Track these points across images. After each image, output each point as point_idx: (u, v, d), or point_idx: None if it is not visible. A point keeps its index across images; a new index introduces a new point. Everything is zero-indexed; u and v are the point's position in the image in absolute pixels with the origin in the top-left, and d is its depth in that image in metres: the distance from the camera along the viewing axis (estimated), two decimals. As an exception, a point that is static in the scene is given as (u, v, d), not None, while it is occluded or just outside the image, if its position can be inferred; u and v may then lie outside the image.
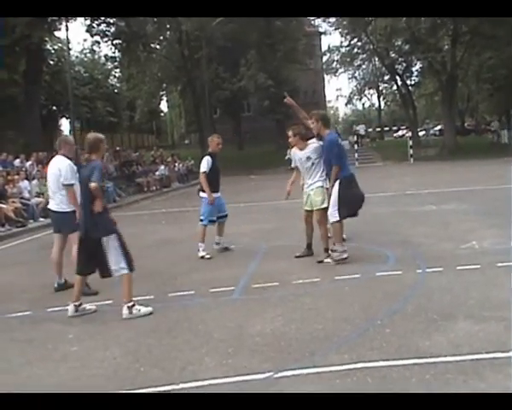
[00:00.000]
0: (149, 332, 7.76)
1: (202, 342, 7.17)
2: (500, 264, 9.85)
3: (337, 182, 11.07)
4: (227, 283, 10.04)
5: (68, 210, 10.43)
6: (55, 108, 56.72)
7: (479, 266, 9.89)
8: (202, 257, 12.74)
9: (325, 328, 7.35)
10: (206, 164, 13.09)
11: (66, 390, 5.75)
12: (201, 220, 13.27)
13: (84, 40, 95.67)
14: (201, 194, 13.37)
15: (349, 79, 78.17)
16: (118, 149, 43.40)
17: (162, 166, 39.32)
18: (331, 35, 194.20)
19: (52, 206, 10.81)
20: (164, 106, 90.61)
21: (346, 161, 11.66)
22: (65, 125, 65.05)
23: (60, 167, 10.46)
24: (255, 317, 8.05)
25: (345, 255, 10.99)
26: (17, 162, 28.46)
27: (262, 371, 6.08)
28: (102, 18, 44.78)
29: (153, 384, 5.95)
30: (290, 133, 12.41)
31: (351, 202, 11.20)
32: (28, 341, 7.83)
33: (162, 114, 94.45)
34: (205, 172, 13.05)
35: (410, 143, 48.81)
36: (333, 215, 11.14)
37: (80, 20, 43.55)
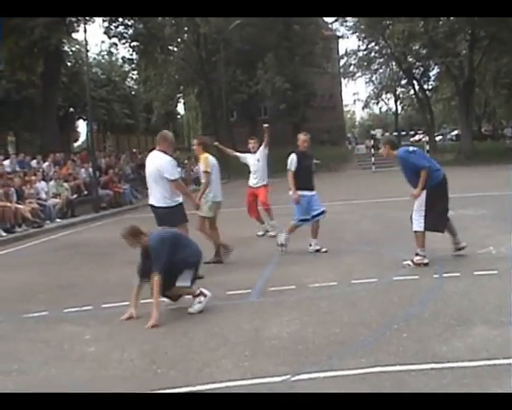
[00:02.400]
0: (166, 334, 7.77)
1: (219, 345, 7.18)
2: (519, 269, 9.82)
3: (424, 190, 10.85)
4: (243, 285, 10.06)
5: (173, 204, 10.68)
6: (72, 109, 56.83)
7: (496, 272, 9.85)
8: (282, 245, 13.16)
9: (342, 332, 7.34)
10: (290, 162, 13.02)
11: (83, 391, 5.75)
12: (294, 219, 13.26)
13: (102, 42, 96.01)
14: (290, 192, 13.21)
15: (366, 83, 77.49)
16: (134, 151, 43.51)
17: (178, 169, 39.35)
18: (348, 39, 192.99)
19: (153, 201, 10.91)
20: (181, 108, 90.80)
21: (432, 166, 11.21)
22: (82, 126, 65.32)
23: (160, 163, 10.55)
24: (272, 320, 8.05)
25: (425, 260, 10.86)
26: (34, 163, 28.62)
27: (279, 374, 6.07)
28: (120, 20, 44.92)
29: (170, 386, 5.95)
30: (195, 142, 13.12)
31: (439, 214, 11.03)
32: (45, 341, 7.84)
33: (179, 117, 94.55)
34: (291, 170, 12.93)
35: (427, 147, 48.66)
36: (418, 224, 11.05)
37: (98, 21, 43.70)
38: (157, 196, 10.67)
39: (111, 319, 8.73)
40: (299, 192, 12.83)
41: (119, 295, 9.91)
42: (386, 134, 68.36)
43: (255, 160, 16.18)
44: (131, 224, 8.80)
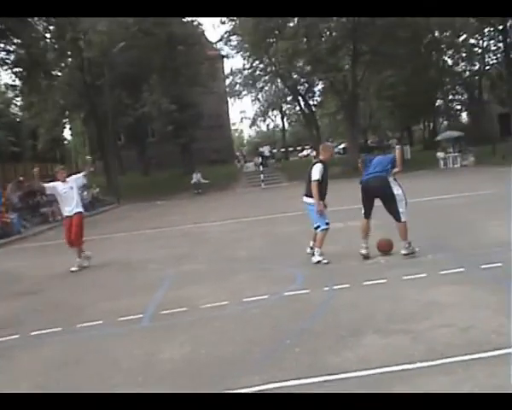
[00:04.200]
0: (58, 365, 7.60)
1: (112, 373, 7.06)
2: (405, 277, 10.04)
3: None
4: (135, 310, 9.91)
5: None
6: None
7: (385, 281, 10.03)
8: (319, 262, 12.29)
9: (235, 351, 7.32)
10: (318, 172, 12.51)
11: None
12: (318, 227, 12.62)
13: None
14: (306, 199, 12.92)
15: (252, 101, 78.56)
16: (21, 179, 42.60)
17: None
18: (233, 58, 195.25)
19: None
20: (67, 134, 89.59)
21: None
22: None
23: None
24: (164, 343, 7.97)
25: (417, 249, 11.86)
26: None
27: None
28: (1, 45, 44.02)
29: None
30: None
31: None
32: None
33: (66, 142, 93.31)
34: (318, 181, 12.46)
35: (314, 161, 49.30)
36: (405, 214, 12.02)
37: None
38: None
39: (2, 353, 8.48)
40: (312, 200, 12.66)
41: (7, 329, 9.63)
42: (274, 150, 69.12)
43: (67, 188, 15.49)
44: None
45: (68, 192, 15.39)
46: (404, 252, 11.76)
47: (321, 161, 12.79)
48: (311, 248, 12.93)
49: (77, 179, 15.79)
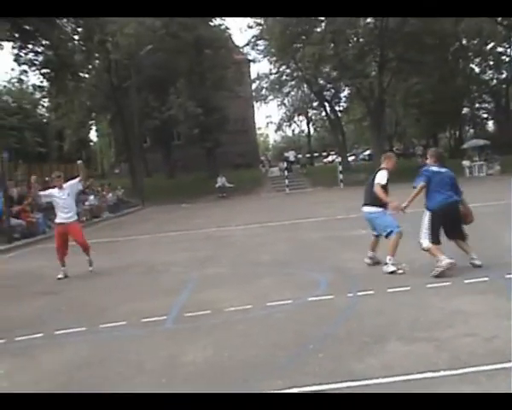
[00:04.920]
0: (81, 365, 7.65)
1: (134, 373, 7.09)
2: (429, 285, 10.00)
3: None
4: (159, 312, 9.94)
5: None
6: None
7: (409, 288, 10.01)
8: (393, 272, 11.51)
9: (258, 354, 7.33)
10: (384, 177, 12.25)
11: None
12: (390, 233, 11.99)
13: (12, 69, 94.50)
14: (368, 209, 12.59)
15: (278, 105, 78.44)
16: (47, 179, 42.82)
17: (92, 197, 38.77)
18: (260, 62, 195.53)
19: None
20: (93, 135, 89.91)
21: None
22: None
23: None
24: (187, 346, 7.99)
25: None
26: None
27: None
28: (30, 46, 44.26)
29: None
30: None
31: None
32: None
33: (92, 144, 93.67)
34: (382, 184, 12.15)
35: (340, 168, 49.33)
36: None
37: (8, 48, 43.03)
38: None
39: (25, 352, 8.54)
40: (379, 209, 12.36)
41: (31, 327, 9.70)
42: (299, 156, 69.01)
43: (64, 194, 15.20)
44: None
45: (65, 199, 15.16)
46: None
47: (386, 168, 12.53)
48: (371, 258, 12.72)
49: (72, 185, 15.49)
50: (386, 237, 12.10)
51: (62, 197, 15.10)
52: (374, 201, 12.27)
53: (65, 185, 15.28)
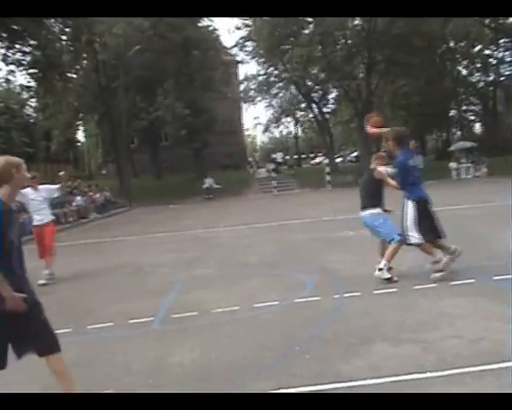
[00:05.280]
0: (68, 366, 7.61)
1: (122, 374, 7.09)
2: (416, 287, 10.02)
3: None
4: (146, 313, 9.94)
5: None
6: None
7: (395, 290, 10.03)
8: (389, 279, 10.80)
9: (245, 356, 7.34)
10: (385, 170, 11.64)
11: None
12: (392, 239, 11.21)
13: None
14: (366, 212, 11.72)
15: (266, 107, 78.51)
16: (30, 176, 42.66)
17: (79, 197, 38.67)
18: (248, 64, 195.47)
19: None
20: (81, 136, 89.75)
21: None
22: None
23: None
24: (175, 347, 7.99)
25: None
26: None
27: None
28: (18, 46, 44.11)
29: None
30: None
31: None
32: None
33: (79, 144, 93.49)
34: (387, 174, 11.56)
35: (327, 169, 49.37)
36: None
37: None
38: None
39: (10, 353, 8.49)
40: (379, 214, 11.66)
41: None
42: (287, 157, 69.03)
43: (39, 196, 14.75)
44: None
45: (40, 201, 14.76)
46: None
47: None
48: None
49: (49, 190, 15.16)
50: (390, 242, 11.40)
51: (37, 199, 14.73)
52: (373, 202, 11.66)
53: (40, 188, 14.92)
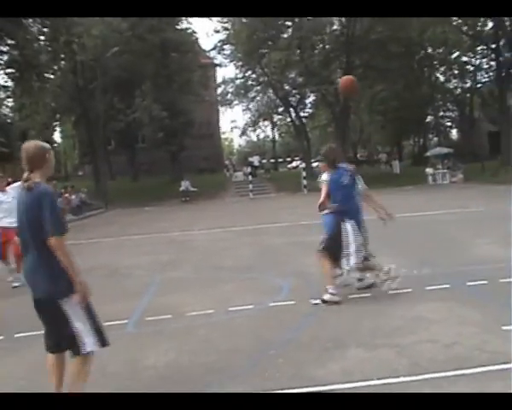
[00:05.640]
0: (41, 368, 7.57)
1: (97, 377, 7.04)
2: (391, 292, 10.02)
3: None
4: (121, 316, 9.87)
5: None
6: None
7: (371, 295, 10.05)
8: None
9: (219, 359, 7.32)
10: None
11: None
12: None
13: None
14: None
15: (243, 110, 78.41)
16: (10, 180, 42.46)
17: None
18: (226, 67, 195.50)
19: None
20: (57, 136, 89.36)
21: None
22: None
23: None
24: (149, 350, 7.96)
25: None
26: None
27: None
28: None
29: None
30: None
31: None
32: None
33: (56, 145, 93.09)
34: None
35: (304, 174, 49.36)
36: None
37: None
38: None
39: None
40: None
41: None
42: (264, 161, 69.06)
43: (9, 197, 13.90)
44: None
45: (10, 202, 13.64)
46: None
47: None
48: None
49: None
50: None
51: (7, 200, 14.02)
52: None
53: (9, 188, 14.27)
